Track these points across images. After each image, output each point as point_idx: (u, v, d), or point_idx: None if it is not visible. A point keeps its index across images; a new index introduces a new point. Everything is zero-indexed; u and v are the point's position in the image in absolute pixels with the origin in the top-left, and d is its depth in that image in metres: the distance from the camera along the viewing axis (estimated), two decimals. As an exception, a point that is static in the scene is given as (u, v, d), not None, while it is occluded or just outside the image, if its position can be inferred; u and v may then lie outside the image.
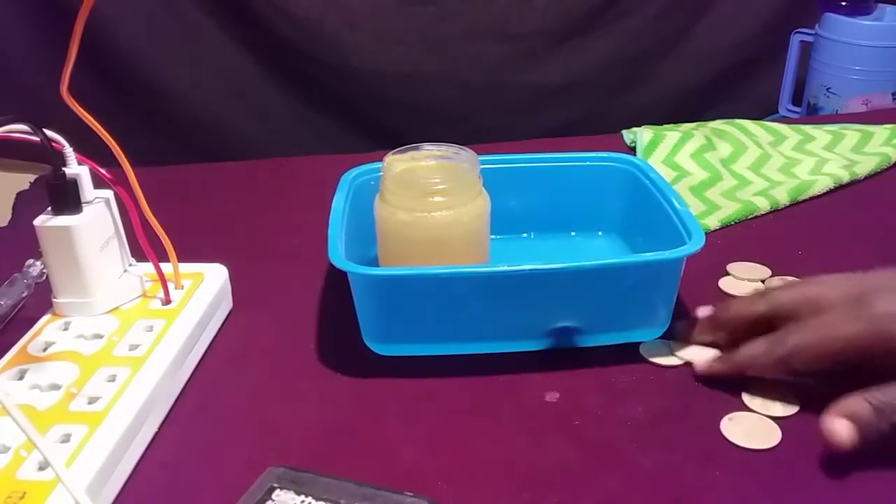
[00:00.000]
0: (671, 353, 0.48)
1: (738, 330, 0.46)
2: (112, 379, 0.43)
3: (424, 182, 0.50)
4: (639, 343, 0.49)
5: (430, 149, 0.53)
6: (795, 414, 0.43)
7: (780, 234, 0.63)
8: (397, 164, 0.52)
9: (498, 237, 0.55)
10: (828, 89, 1.30)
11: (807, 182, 0.68)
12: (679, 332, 0.49)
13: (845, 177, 0.69)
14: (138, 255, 0.51)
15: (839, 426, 0.40)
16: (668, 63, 1.39)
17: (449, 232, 0.50)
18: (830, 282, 0.44)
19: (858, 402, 0.40)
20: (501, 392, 0.46)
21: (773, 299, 0.45)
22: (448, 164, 0.52)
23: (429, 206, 0.49)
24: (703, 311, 0.48)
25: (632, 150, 0.77)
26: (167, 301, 0.50)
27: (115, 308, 0.50)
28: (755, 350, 0.44)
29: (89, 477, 0.37)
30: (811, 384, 0.44)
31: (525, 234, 0.61)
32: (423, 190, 0.49)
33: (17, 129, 0.43)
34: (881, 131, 0.77)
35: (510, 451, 0.42)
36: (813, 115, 1.32)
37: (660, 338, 0.49)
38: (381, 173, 0.52)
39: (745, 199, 0.66)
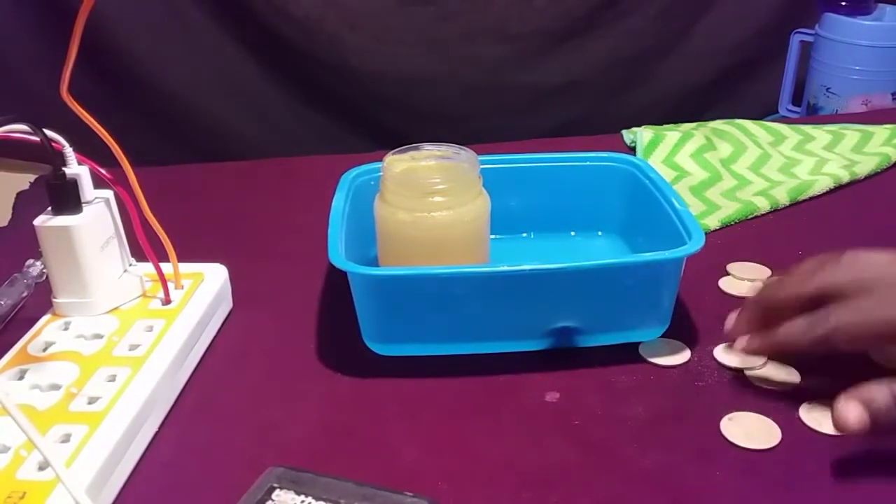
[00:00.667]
0: (671, 352, 0.48)
1: (785, 311, 0.44)
2: (112, 379, 0.43)
3: (424, 182, 0.50)
4: (639, 343, 0.49)
5: (430, 149, 0.53)
6: (791, 412, 0.43)
7: (780, 234, 0.63)
8: (397, 164, 0.52)
9: (498, 237, 0.55)
10: (828, 89, 1.30)
11: (807, 182, 0.68)
12: (729, 329, 0.47)
13: (845, 177, 0.69)
14: (138, 255, 0.51)
15: (852, 410, 0.39)
16: (668, 63, 1.39)
17: (449, 232, 0.50)
18: (882, 261, 0.42)
19: (879, 389, 0.39)
20: (501, 392, 0.46)
21: (823, 279, 0.43)
22: (448, 164, 0.52)
23: (429, 206, 0.49)
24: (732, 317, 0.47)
25: (632, 150, 0.77)
26: (167, 301, 0.50)
27: (115, 308, 0.50)
28: (796, 328, 0.43)
29: (89, 477, 0.37)
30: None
31: (525, 234, 0.61)
32: (423, 190, 0.49)
33: (18, 129, 0.43)
34: (881, 131, 0.77)
35: (510, 450, 0.42)
36: (813, 115, 1.32)
37: (660, 336, 0.49)
38: (381, 173, 0.52)
39: (745, 199, 0.66)
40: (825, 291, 0.42)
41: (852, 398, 0.39)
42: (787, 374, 0.46)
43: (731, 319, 0.47)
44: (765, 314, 0.45)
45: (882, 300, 0.40)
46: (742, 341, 0.46)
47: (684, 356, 0.48)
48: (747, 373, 0.46)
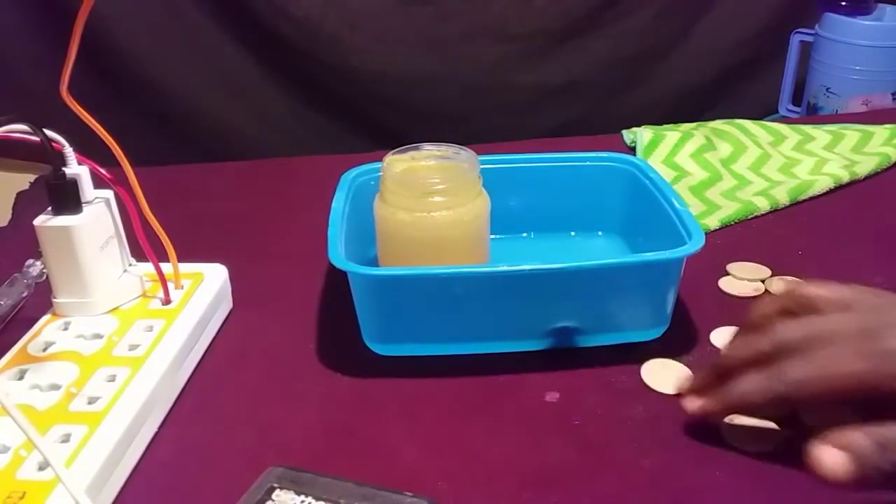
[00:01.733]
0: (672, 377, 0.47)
1: (735, 368, 0.40)
2: (112, 379, 0.43)
3: (424, 182, 0.50)
4: (639, 343, 0.49)
5: (430, 149, 0.53)
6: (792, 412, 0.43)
7: (780, 234, 0.63)
8: (397, 164, 0.52)
9: (498, 237, 0.55)
10: (828, 89, 1.30)
11: (807, 182, 0.68)
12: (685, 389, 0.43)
13: (845, 177, 0.69)
14: (138, 255, 0.51)
15: (834, 457, 0.35)
16: (668, 63, 1.39)
17: (449, 232, 0.50)
18: (840, 318, 0.38)
19: (858, 436, 0.35)
20: (501, 392, 0.46)
21: (777, 336, 0.39)
22: (448, 164, 0.52)
23: (429, 206, 0.49)
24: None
25: (632, 150, 0.77)
26: (167, 301, 0.50)
27: (115, 308, 0.50)
28: (751, 386, 0.39)
29: (89, 477, 0.37)
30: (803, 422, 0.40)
31: (525, 234, 0.61)
32: (423, 190, 0.49)
33: (18, 129, 0.43)
34: (881, 131, 0.77)
35: (510, 450, 0.42)
36: (813, 114, 1.32)
37: (660, 336, 0.49)
38: (381, 173, 0.52)
39: (745, 199, 0.66)
40: (780, 349, 0.38)
41: (831, 445, 0.35)
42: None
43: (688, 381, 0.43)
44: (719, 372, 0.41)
45: (844, 352, 0.36)
46: (695, 402, 0.42)
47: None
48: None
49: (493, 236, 0.53)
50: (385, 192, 0.51)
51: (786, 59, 1.37)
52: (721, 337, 0.49)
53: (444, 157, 0.53)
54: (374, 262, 0.54)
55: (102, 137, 0.46)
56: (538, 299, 0.47)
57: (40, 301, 0.52)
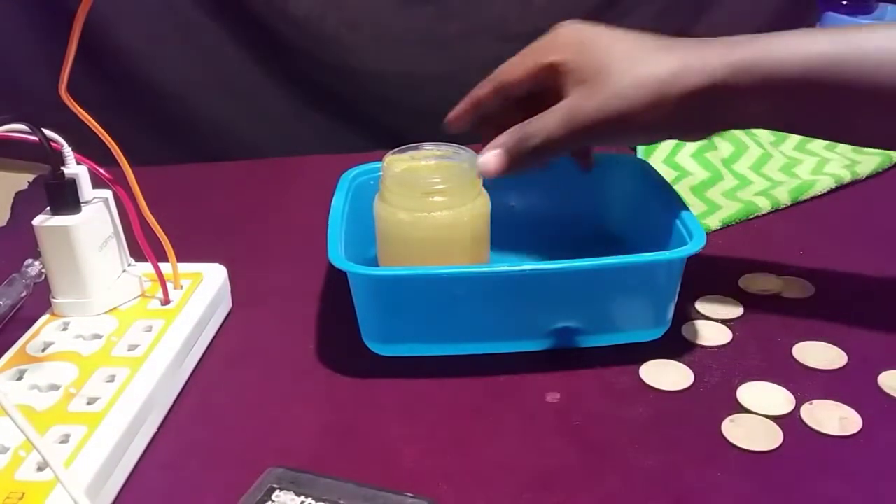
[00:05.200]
0: (675, 377, 0.48)
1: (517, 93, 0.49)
2: (111, 379, 0.43)
3: (424, 182, 0.50)
4: (639, 343, 0.48)
5: (430, 148, 0.53)
6: (792, 413, 0.43)
7: (782, 233, 0.63)
8: (397, 163, 0.52)
9: (498, 237, 0.55)
10: (828, 89, 1.30)
11: (808, 182, 0.68)
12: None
13: (847, 177, 0.69)
14: (137, 255, 0.50)
15: (487, 156, 0.46)
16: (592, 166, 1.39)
17: (449, 232, 0.50)
18: (610, 40, 0.47)
19: (505, 134, 0.46)
20: (502, 392, 0.46)
21: (554, 57, 0.47)
22: (448, 163, 0.52)
23: (429, 205, 0.49)
24: None
25: (632, 149, 0.77)
26: (166, 301, 0.50)
27: (114, 308, 0.49)
28: (543, 125, 0.46)
29: (88, 477, 0.37)
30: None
31: (525, 234, 0.61)
32: (423, 190, 0.49)
33: (16, 129, 0.43)
34: (882, 131, 0.77)
35: (511, 451, 0.42)
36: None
37: (661, 338, 0.49)
38: (381, 173, 0.51)
39: (746, 198, 0.66)
40: (557, 69, 0.46)
41: (489, 147, 0.46)
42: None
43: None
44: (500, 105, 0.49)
45: (615, 90, 0.44)
46: (491, 157, 0.47)
47: (687, 380, 0.47)
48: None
49: (492, 237, 0.53)
50: (385, 192, 0.51)
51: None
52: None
53: (444, 156, 0.53)
54: (374, 262, 0.54)
55: (101, 137, 0.46)
56: (538, 299, 0.47)
57: (39, 301, 0.51)
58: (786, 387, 0.45)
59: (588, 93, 0.44)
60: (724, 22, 1.38)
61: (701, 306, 0.53)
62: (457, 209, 0.49)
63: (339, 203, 0.52)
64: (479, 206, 0.51)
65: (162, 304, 0.50)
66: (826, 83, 0.43)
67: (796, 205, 0.67)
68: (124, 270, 0.51)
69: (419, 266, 0.48)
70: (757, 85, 0.43)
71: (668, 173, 0.70)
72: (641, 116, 0.44)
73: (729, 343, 0.49)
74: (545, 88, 0.47)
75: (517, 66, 0.49)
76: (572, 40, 0.47)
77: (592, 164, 0.55)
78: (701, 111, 0.44)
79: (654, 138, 0.47)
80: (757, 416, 0.43)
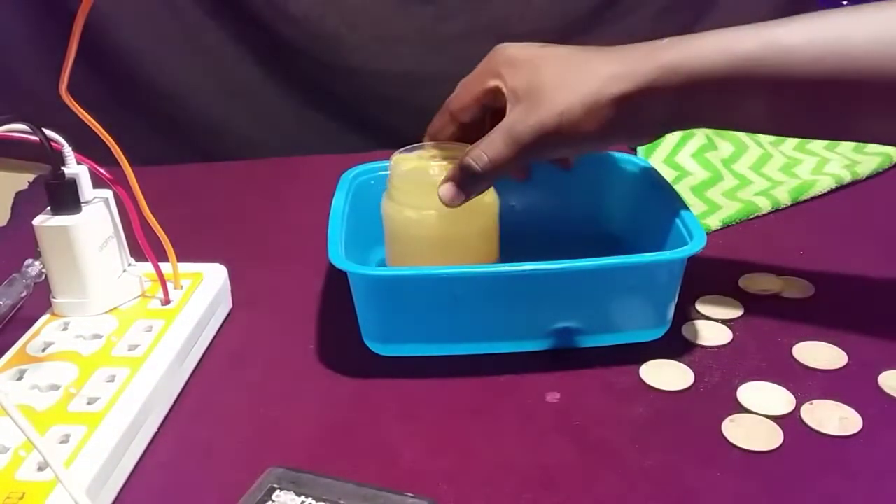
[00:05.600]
0: (675, 378, 0.48)
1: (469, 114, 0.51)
2: (111, 379, 0.43)
3: (432, 179, 0.50)
4: (639, 343, 0.48)
5: (437, 147, 0.53)
6: (792, 413, 0.43)
7: (782, 233, 0.63)
8: (405, 162, 0.52)
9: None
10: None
11: (808, 182, 0.68)
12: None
13: (847, 177, 0.69)
14: (137, 254, 0.50)
15: (442, 189, 0.48)
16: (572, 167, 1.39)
17: (457, 229, 0.50)
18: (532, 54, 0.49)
19: (453, 167, 0.48)
20: (502, 392, 0.46)
21: (494, 83, 0.49)
22: (456, 162, 0.52)
23: (436, 203, 0.49)
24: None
25: (632, 149, 0.77)
26: (166, 301, 0.50)
27: (114, 308, 0.49)
28: (487, 149, 0.47)
29: (89, 477, 0.37)
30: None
31: (525, 234, 0.60)
32: (431, 187, 0.49)
33: (17, 129, 0.43)
34: (882, 131, 0.77)
35: (511, 451, 0.42)
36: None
37: (661, 337, 0.49)
38: (389, 172, 0.52)
39: (747, 198, 0.66)
40: (497, 92, 0.48)
41: (443, 181, 0.48)
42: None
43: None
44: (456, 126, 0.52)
45: (549, 106, 0.45)
46: (442, 191, 0.48)
47: (687, 380, 0.46)
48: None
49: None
50: (392, 191, 0.51)
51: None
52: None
53: (451, 155, 0.53)
54: (374, 262, 0.54)
55: (101, 137, 0.46)
56: (538, 299, 0.47)
57: (39, 301, 0.51)
58: (786, 387, 0.45)
59: (525, 112, 0.46)
60: (724, 22, 1.38)
61: (701, 306, 0.53)
62: (465, 207, 0.49)
63: (339, 203, 0.52)
64: (487, 203, 0.51)
65: (162, 304, 0.50)
66: (750, 80, 0.43)
67: (796, 205, 0.67)
68: (124, 270, 0.51)
69: (427, 265, 0.48)
70: (684, 85, 0.44)
71: (668, 173, 0.70)
72: (578, 128, 0.45)
73: (729, 343, 0.49)
74: (496, 109, 0.49)
75: (463, 95, 0.51)
76: (506, 62, 0.48)
77: (571, 164, 0.56)
78: (635, 116, 0.45)
79: (599, 146, 0.48)
80: (757, 416, 0.43)
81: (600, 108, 0.45)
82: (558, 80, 0.46)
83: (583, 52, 0.47)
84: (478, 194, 0.49)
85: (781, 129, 0.47)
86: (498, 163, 0.47)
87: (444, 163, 0.52)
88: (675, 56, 0.44)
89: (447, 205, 0.48)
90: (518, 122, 0.46)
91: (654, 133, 0.49)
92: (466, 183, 0.48)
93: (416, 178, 0.51)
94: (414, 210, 0.50)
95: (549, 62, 0.47)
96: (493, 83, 0.48)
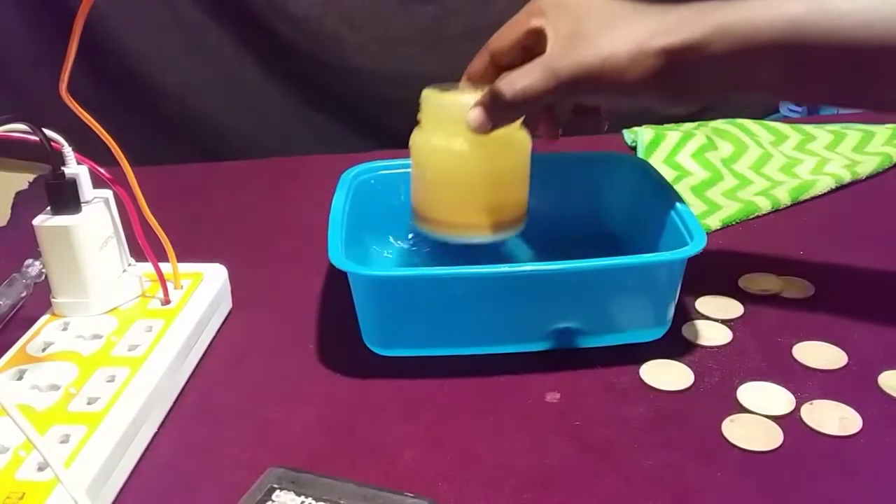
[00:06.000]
0: (675, 378, 0.48)
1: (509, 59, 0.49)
2: (111, 379, 0.43)
3: (463, 109, 0.48)
4: (639, 343, 0.48)
5: (472, 87, 0.51)
6: (792, 413, 0.43)
7: (782, 233, 0.63)
8: (438, 96, 0.51)
9: (498, 237, 0.55)
10: (829, 89, 1.29)
11: (808, 182, 0.68)
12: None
13: (847, 177, 0.69)
14: (137, 254, 0.50)
15: (471, 114, 0.47)
16: (606, 128, 1.38)
17: (485, 163, 0.49)
18: None
19: (489, 89, 0.46)
20: (502, 392, 0.46)
21: (534, 23, 0.48)
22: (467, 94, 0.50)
23: (466, 133, 0.48)
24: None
25: (632, 149, 0.77)
26: (166, 301, 0.50)
27: (114, 308, 0.49)
28: (521, 78, 0.46)
29: (89, 477, 0.37)
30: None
31: (525, 234, 0.60)
32: (461, 116, 0.48)
33: (17, 129, 0.43)
34: (882, 131, 0.77)
35: (511, 451, 0.42)
36: (814, 114, 1.31)
37: (661, 337, 0.49)
38: (421, 105, 0.51)
39: (747, 198, 0.66)
40: (540, 33, 0.47)
41: (473, 106, 0.47)
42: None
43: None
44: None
45: (594, 49, 0.44)
46: (470, 115, 0.47)
47: (687, 380, 0.46)
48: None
49: (492, 237, 0.53)
50: (422, 121, 0.50)
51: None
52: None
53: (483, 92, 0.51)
54: (375, 262, 0.54)
55: (101, 137, 0.46)
56: (538, 299, 0.47)
57: (39, 301, 0.51)
58: (786, 387, 0.45)
59: (567, 49, 0.45)
60: None
61: (701, 306, 0.53)
62: (494, 139, 0.48)
63: (339, 203, 0.52)
64: (518, 140, 0.50)
65: (162, 304, 0.50)
66: (796, 45, 0.43)
67: (796, 205, 0.67)
68: (124, 270, 0.51)
69: (452, 201, 0.47)
70: (731, 48, 0.43)
71: (668, 173, 0.70)
72: (621, 75, 0.44)
73: (729, 343, 0.49)
74: (534, 54, 0.47)
75: (504, 35, 0.50)
76: (552, 4, 0.47)
77: (604, 127, 0.53)
78: (678, 72, 0.44)
79: (633, 99, 0.46)
80: (757, 416, 0.43)
81: (646, 58, 0.44)
82: (605, 25, 0.45)
83: (630, 2, 0.46)
84: (505, 124, 0.48)
85: (816, 93, 0.47)
86: (530, 93, 0.45)
87: (476, 96, 0.50)
88: (725, 18, 0.43)
89: (474, 130, 0.47)
90: (559, 56, 0.45)
91: (691, 95, 0.47)
92: (496, 109, 0.46)
93: (446, 106, 0.50)
94: (442, 139, 0.49)
95: (596, 8, 0.46)
96: (536, 22, 0.47)
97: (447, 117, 0.49)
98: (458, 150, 0.49)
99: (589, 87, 0.45)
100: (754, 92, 0.48)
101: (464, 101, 0.48)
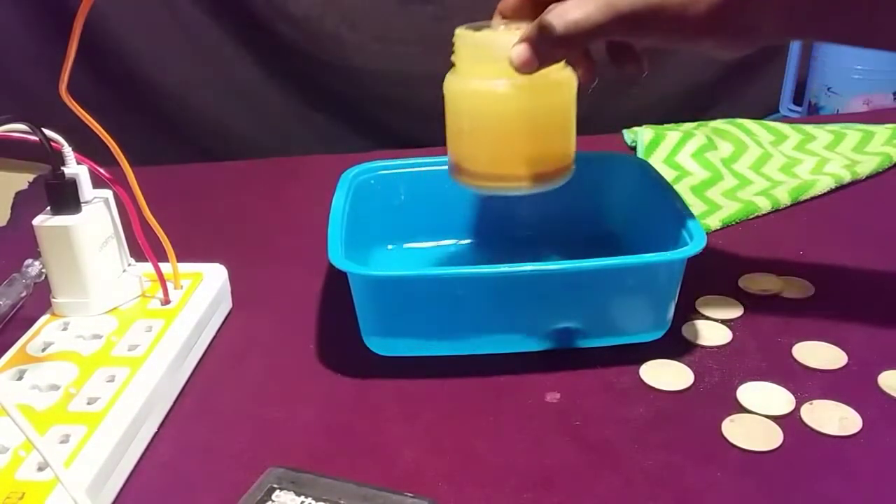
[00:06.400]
0: (674, 378, 0.47)
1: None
2: (111, 379, 0.43)
3: (504, 46, 0.44)
4: (639, 343, 0.48)
5: (506, 25, 0.47)
6: (792, 413, 0.43)
7: (782, 233, 0.63)
8: (474, 35, 0.46)
9: (498, 237, 0.55)
10: (829, 88, 1.30)
11: (808, 182, 0.68)
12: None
13: (847, 176, 0.69)
14: (137, 254, 0.50)
15: (515, 51, 0.42)
16: (670, 62, 1.39)
17: (528, 105, 0.45)
18: None
19: (529, 27, 0.42)
20: (501, 392, 0.46)
21: None
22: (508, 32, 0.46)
23: (508, 73, 0.44)
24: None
25: (632, 149, 0.77)
26: (166, 301, 0.50)
27: (114, 308, 0.49)
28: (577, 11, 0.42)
29: (88, 478, 0.37)
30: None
31: (526, 234, 0.61)
32: (502, 55, 0.43)
33: (16, 129, 0.43)
34: (882, 131, 0.77)
35: (511, 451, 0.42)
36: (814, 114, 1.32)
37: (661, 337, 0.49)
38: (455, 45, 0.46)
39: (747, 198, 0.66)
40: None
41: (517, 43, 0.43)
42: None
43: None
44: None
45: None
46: (514, 52, 0.43)
47: (687, 380, 0.46)
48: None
49: (493, 237, 0.53)
50: (457, 64, 0.46)
51: (787, 58, 1.36)
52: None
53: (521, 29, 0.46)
54: (374, 262, 0.54)
55: (101, 137, 0.46)
56: (538, 299, 0.47)
57: (39, 301, 0.51)
58: (786, 387, 0.45)
59: None
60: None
61: (701, 306, 0.53)
62: (538, 80, 0.44)
63: (339, 203, 0.52)
64: (563, 80, 0.46)
65: (162, 304, 0.50)
66: None
67: (796, 205, 0.67)
68: (124, 270, 0.51)
69: (492, 150, 0.45)
70: None
71: (668, 173, 0.70)
72: (681, 10, 0.41)
73: (729, 343, 0.49)
74: None
75: None
76: None
77: (645, 71, 0.48)
78: (740, 12, 0.41)
79: (693, 41, 0.42)
80: (757, 416, 0.43)
81: None
82: None
83: None
84: (553, 63, 0.43)
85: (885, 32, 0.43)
86: (584, 27, 0.41)
87: (518, 33, 0.45)
88: None
89: (518, 69, 0.43)
90: None
91: (751, 38, 0.43)
92: (543, 45, 0.42)
93: (485, 45, 0.45)
94: (481, 81, 0.45)
95: None
96: None
97: (486, 57, 0.45)
98: (499, 93, 0.45)
99: (648, 24, 0.41)
100: (811, 36, 0.44)
101: (505, 39, 0.44)
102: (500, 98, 0.45)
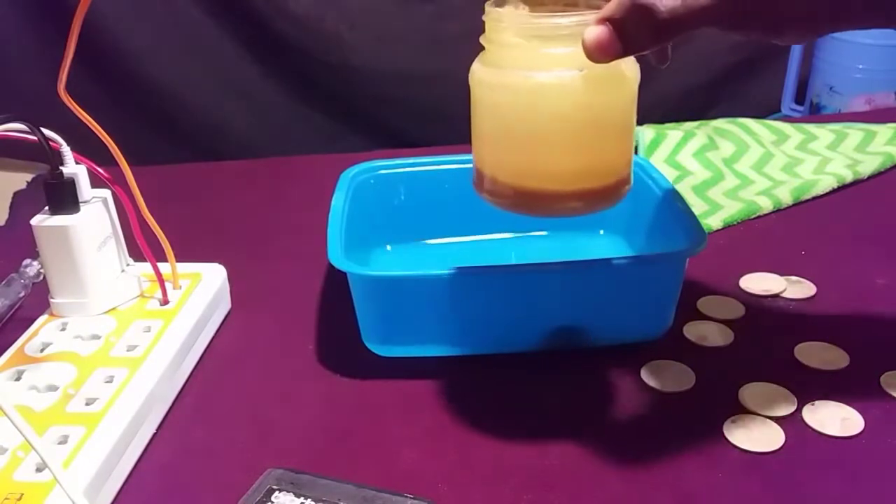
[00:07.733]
0: (677, 380, 0.47)
1: None
2: (110, 380, 0.43)
3: (562, 26, 0.35)
4: (639, 343, 0.48)
5: (536, 3, 0.39)
6: (794, 414, 0.43)
7: (783, 233, 0.63)
8: (519, 14, 0.37)
9: (498, 237, 0.55)
10: (831, 88, 1.30)
11: (810, 181, 0.68)
12: None
13: (849, 176, 0.69)
14: (136, 254, 0.50)
15: (592, 33, 0.34)
16: (670, 61, 1.39)
17: (585, 97, 0.36)
18: None
19: (612, 6, 0.34)
20: (501, 392, 0.46)
21: None
22: (575, 12, 0.36)
23: (552, 61, 0.35)
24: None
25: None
26: (165, 301, 0.50)
27: (113, 308, 0.49)
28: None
29: (87, 478, 0.37)
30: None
31: (526, 234, 0.60)
32: (561, 39, 0.35)
33: (15, 128, 0.43)
34: (885, 131, 0.77)
35: (511, 451, 0.42)
36: (816, 113, 1.31)
37: (661, 337, 0.49)
38: (488, 27, 0.37)
39: (748, 198, 0.66)
40: None
41: (594, 22, 0.34)
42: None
43: None
44: None
45: None
46: (592, 35, 0.34)
47: (689, 381, 0.46)
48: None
49: (493, 237, 0.53)
50: (493, 52, 0.37)
51: (788, 58, 1.36)
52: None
53: (568, 3, 0.38)
54: (374, 262, 0.54)
55: (100, 136, 0.46)
56: (539, 299, 0.46)
57: (38, 301, 0.51)
58: (787, 387, 0.45)
59: None
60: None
61: (702, 306, 0.52)
62: (601, 73, 0.36)
63: (339, 203, 0.52)
64: (630, 74, 0.37)
65: (161, 305, 0.50)
66: None
67: (798, 205, 0.66)
68: (123, 270, 0.51)
69: (537, 158, 0.36)
70: None
71: (669, 173, 0.70)
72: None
73: (730, 343, 0.49)
74: None
75: None
76: None
77: (669, 59, 0.42)
78: None
79: (809, 23, 0.35)
80: (758, 417, 0.43)
81: None
82: None
83: None
84: (641, 51, 0.35)
85: None
86: (694, 8, 0.33)
87: (561, 10, 0.37)
88: None
89: (592, 56, 0.34)
90: None
91: (852, 16, 0.35)
92: (636, 29, 0.34)
93: (540, 25, 0.36)
94: (519, 72, 0.35)
95: None
96: None
97: (546, 40, 0.36)
98: (564, 86, 0.35)
99: (762, 10, 0.34)
100: None
101: (566, 20, 0.35)
102: (566, 92, 0.36)
